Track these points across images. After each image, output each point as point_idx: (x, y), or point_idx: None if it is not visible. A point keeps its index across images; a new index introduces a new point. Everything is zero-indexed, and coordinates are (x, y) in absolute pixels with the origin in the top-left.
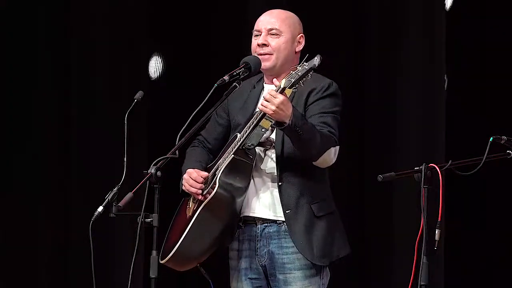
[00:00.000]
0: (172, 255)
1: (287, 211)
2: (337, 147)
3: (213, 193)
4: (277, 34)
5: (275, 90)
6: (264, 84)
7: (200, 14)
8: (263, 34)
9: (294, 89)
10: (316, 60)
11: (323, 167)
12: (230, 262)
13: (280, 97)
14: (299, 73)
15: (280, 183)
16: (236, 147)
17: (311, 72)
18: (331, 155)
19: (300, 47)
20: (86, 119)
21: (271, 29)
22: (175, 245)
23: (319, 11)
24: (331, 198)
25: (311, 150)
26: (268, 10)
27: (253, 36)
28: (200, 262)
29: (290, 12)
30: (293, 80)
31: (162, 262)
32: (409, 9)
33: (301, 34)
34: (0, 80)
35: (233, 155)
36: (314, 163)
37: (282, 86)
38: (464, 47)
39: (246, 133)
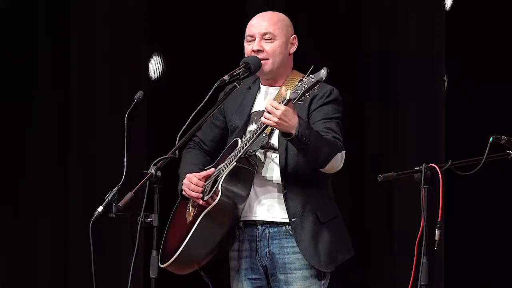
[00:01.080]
0: (174, 260)
1: (293, 219)
2: (343, 152)
3: (216, 200)
4: (271, 39)
5: (279, 102)
6: (260, 85)
7: (200, 14)
8: (257, 39)
9: (300, 101)
10: (323, 73)
11: (330, 173)
12: (231, 263)
13: (282, 108)
14: (305, 86)
15: (285, 191)
16: (239, 155)
17: (318, 85)
18: (338, 161)
19: (293, 49)
20: (86, 119)
21: (264, 34)
22: (177, 250)
23: (318, 12)
24: (334, 202)
25: (319, 158)
26: (259, 13)
27: (245, 42)
28: (200, 266)
29: (281, 14)
30: (299, 93)
31: (162, 266)
32: (409, 9)
33: (294, 36)
34: (0, 80)
35: (235, 163)
36: (321, 169)
37: (287, 98)
38: (464, 47)
39: (250, 142)
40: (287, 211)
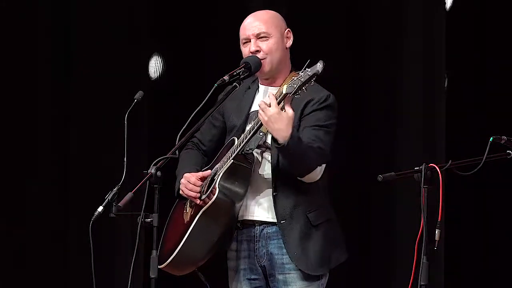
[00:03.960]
0: (171, 260)
1: (281, 221)
2: (324, 165)
3: (213, 198)
4: (266, 37)
5: (276, 96)
6: (259, 84)
7: (200, 14)
8: (252, 40)
9: (297, 95)
10: (319, 66)
11: (308, 182)
12: (229, 263)
13: (274, 110)
14: (302, 79)
15: (275, 193)
16: (236, 152)
17: (314, 78)
18: (316, 172)
19: (289, 43)
20: (86, 119)
21: (258, 34)
22: (174, 250)
23: (319, 12)
24: (329, 204)
25: (299, 170)
26: (249, 15)
27: (241, 45)
28: (198, 266)
29: (271, 11)
30: (296, 87)
31: (160, 267)
32: (409, 9)
33: (288, 29)
34: None
35: (232, 160)
36: (298, 178)
37: (284, 92)
38: (464, 47)
39: (246, 138)
40: (275, 213)
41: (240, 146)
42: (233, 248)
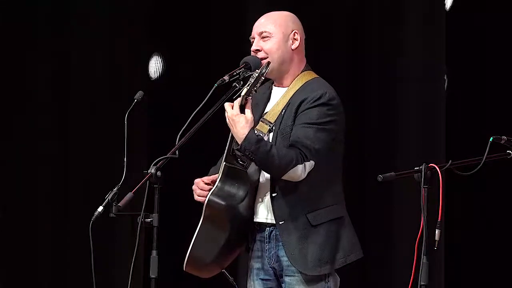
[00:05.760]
0: (186, 262)
1: (280, 222)
2: (308, 163)
3: (205, 202)
4: (268, 37)
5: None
6: (273, 86)
7: (200, 14)
8: (256, 39)
9: (249, 96)
10: (264, 68)
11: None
12: (248, 262)
13: (230, 112)
14: (252, 80)
15: (274, 194)
16: (225, 154)
17: (261, 79)
18: (297, 173)
19: (296, 44)
20: (86, 119)
21: (261, 33)
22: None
23: (319, 11)
24: (338, 203)
25: (268, 171)
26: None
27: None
28: (223, 267)
29: (283, 12)
30: (248, 88)
31: (184, 270)
32: (409, 9)
33: (295, 31)
34: (0, 79)
35: (224, 163)
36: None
37: (242, 95)
38: (464, 47)
39: (229, 141)
40: (274, 214)
41: (227, 148)
42: (250, 248)
